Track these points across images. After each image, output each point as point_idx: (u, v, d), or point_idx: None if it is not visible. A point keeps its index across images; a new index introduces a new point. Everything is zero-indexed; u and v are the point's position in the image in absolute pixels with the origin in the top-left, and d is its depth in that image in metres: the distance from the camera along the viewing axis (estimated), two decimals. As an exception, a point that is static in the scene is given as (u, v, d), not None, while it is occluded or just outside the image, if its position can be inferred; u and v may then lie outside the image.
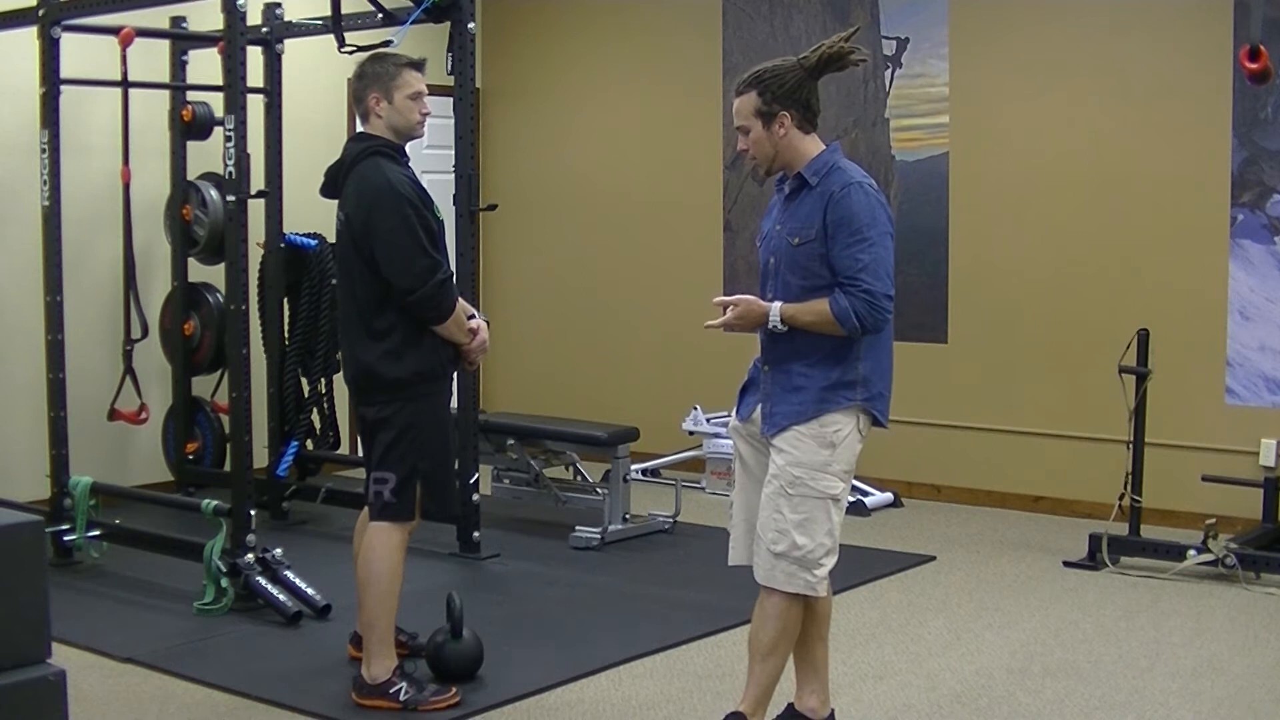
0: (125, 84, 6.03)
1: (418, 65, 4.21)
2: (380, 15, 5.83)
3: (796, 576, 3.54)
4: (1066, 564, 5.89)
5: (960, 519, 6.83)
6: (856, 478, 6.99)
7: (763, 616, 3.61)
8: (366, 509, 4.26)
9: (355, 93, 4.21)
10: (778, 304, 3.53)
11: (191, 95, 6.62)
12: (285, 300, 6.76)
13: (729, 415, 3.87)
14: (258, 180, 5.80)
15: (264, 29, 6.60)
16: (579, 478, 6.67)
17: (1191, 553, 5.62)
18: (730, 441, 3.95)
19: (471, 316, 4.22)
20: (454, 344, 4.16)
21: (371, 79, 4.16)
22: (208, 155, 6.66)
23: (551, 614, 5.19)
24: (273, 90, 6.63)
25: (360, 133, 4.25)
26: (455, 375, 4.41)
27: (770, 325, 3.53)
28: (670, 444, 7.54)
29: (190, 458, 6.99)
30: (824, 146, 3.62)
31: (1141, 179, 6.62)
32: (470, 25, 5.77)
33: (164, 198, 6.98)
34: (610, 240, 8.34)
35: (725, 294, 7.76)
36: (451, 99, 5.87)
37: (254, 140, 5.59)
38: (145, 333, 6.59)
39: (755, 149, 3.58)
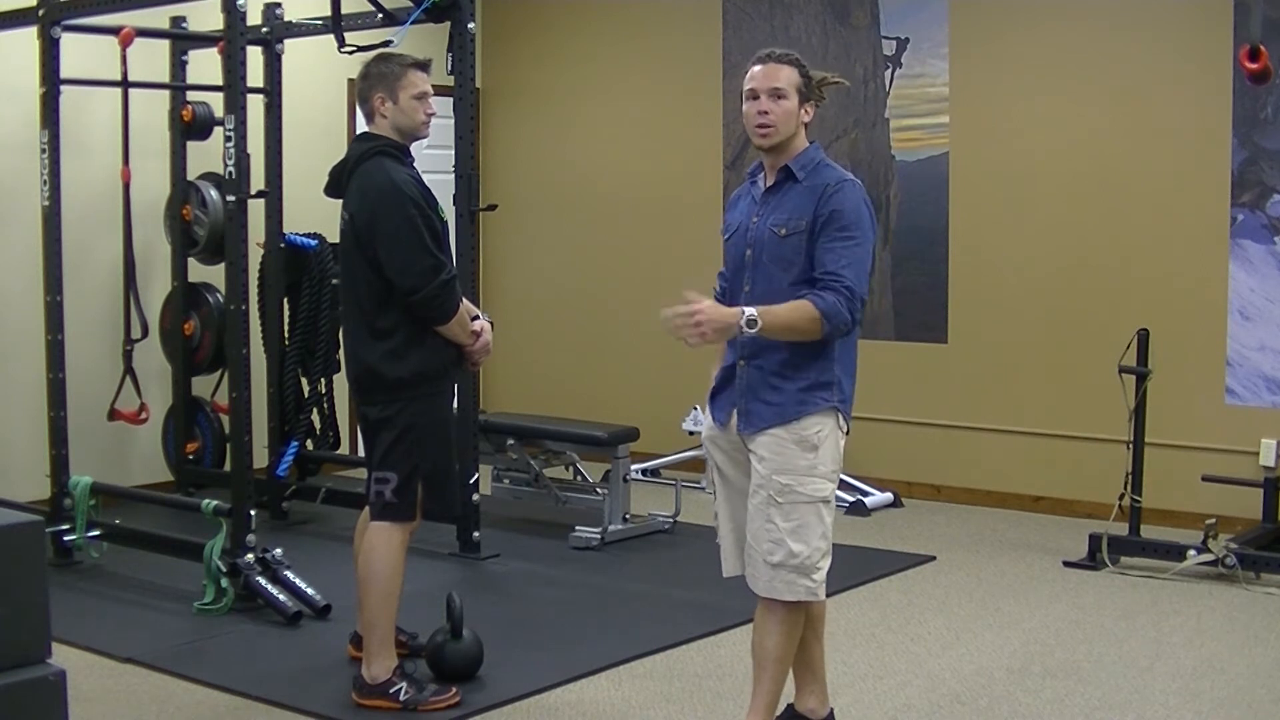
0: (125, 84, 6.03)
1: (423, 65, 4.21)
2: (380, 15, 5.82)
3: (797, 584, 3.50)
4: (1066, 564, 5.89)
5: (960, 519, 6.83)
6: (856, 477, 7.05)
7: (766, 627, 3.57)
8: (367, 509, 4.26)
9: (360, 93, 4.21)
10: (749, 308, 3.37)
11: (191, 95, 6.62)
12: (285, 300, 6.76)
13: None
14: (258, 180, 5.79)
15: (264, 29, 6.60)
16: (579, 478, 6.67)
17: (1191, 553, 5.62)
18: None
19: (476, 318, 4.22)
20: (457, 345, 4.16)
21: (377, 79, 4.16)
22: (208, 155, 6.66)
23: (552, 614, 5.19)
24: (273, 90, 6.63)
25: (365, 133, 4.25)
26: (459, 377, 4.42)
27: (740, 330, 3.35)
28: (670, 444, 7.54)
29: (190, 458, 6.99)
30: (808, 144, 3.63)
31: (1141, 179, 6.62)
32: (470, 25, 5.77)
33: (164, 198, 6.98)
34: (610, 240, 8.34)
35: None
36: (451, 99, 5.87)
37: (254, 140, 5.59)
38: (145, 333, 6.59)
39: (782, 119, 3.53)
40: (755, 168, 3.73)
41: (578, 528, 6.25)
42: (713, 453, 3.72)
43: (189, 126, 6.54)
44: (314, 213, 6.27)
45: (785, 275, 3.51)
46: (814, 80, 3.61)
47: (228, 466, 6.07)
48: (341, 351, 4.97)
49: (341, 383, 5.29)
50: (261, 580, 5.03)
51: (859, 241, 3.47)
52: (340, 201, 4.22)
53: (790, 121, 3.55)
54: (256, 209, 5.81)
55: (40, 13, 5.60)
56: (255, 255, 6.19)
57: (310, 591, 5.05)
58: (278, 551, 5.16)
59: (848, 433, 3.61)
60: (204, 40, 6.43)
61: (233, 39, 5.08)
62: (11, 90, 6.42)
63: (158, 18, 6.50)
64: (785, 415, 3.49)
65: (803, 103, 3.57)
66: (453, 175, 5.90)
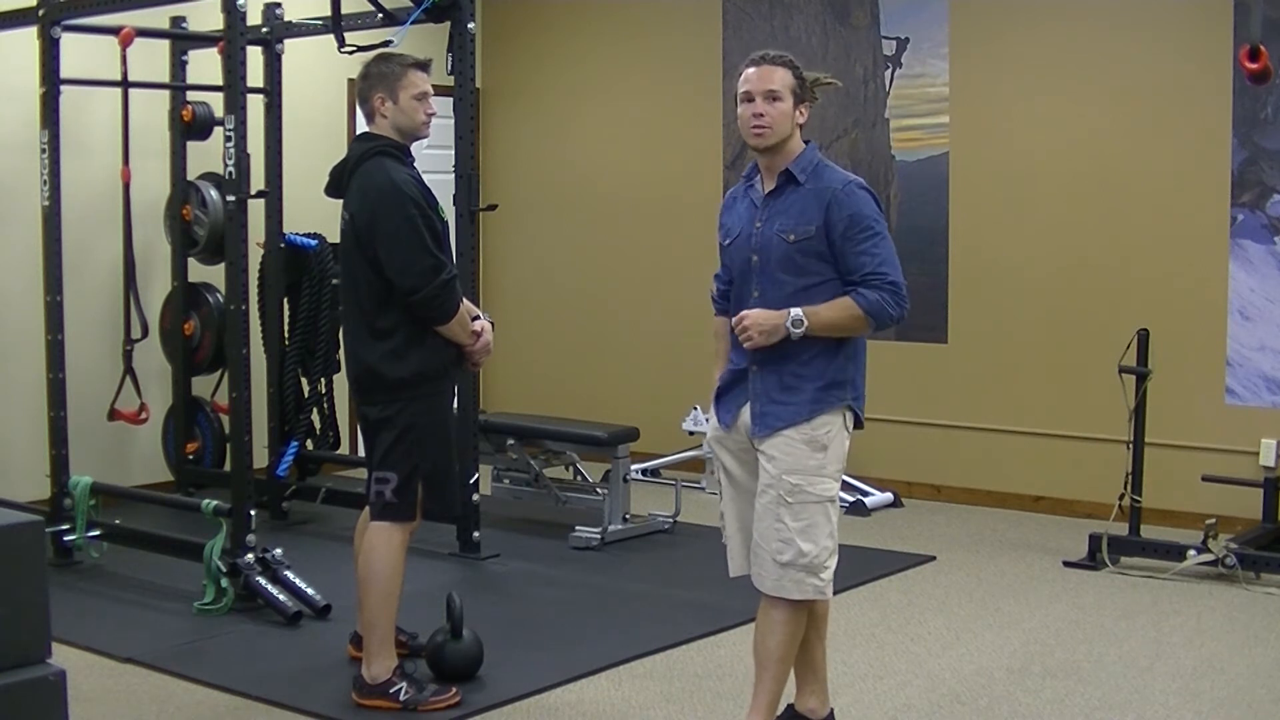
0: (125, 84, 6.03)
1: (423, 65, 4.21)
2: (380, 15, 5.82)
3: (805, 583, 3.51)
4: (1066, 564, 5.89)
5: (960, 519, 6.83)
6: (857, 478, 7.05)
7: (770, 625, 3.58)
8: (367, 509, 4.26)
9: (360, 93, 4.21)
10: (795, 309, 3.48)
11: (191, 95, 6.62)
12: (285, 300, 6.76)
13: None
14: (258, 180, 5.79)
15: (264, 29, 6.60)
16: (579, 478, 6.67)
17: (1191, 553, 5.62)
18: None
19: (476, 318, 4.21)
20: (457, 345, 4.16)
21: (377, 79, 4.16)
22: (208, 155, 6.66)
23: (552, 614, 5.19)
24: (273, 90, 6.63)
25: (365, 133, 4.26)
26: (459, 377, 4.41)
27: (790, 333, 3.46)
28: (670, 444, 7.54)
29: (190, 458, 6.99)
30: (804, 145, 3.63)
31: (1141, 179, 6.62)
32: (470, 25, 5.77)
33: (164, 198, 6.98)
34: (610, 240, 8.34)
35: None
36: (451, 99, 5.87)
37: (254, 140, 5.59)
38: (145, 333, 6.59)
39: (777, 121, 3.53)
40: (751, 170, 3.72)
41: (578, 528, 6.25)
42: (719, 454, 3.73)
43: (189, 126, 6.54)
44: (314, 213, 6.28)
45: (794, 280, 3.52)
46: (808, 81, 3.61)
47: (228, 466, 6.08)
48: (341, 351, 4.98)
49: (341, 383, 5.29)
50: (261, 580, 5.03)
51: (883, 234, 3.55)
52: (340, 201, 4.22)
53: (785, 123, 3.55)
54: (256, 209, 5.81)
55: (40, 13, 5.60)
56: (255, 255, 6.18)
57: (310, 591, 5.05)
58: (278, 551, 5.16)
59: (859, 426, 3.63)
60: (204, 40, 6.43)
61: (233, 39, 5.08)
62: (11, 90, 6.42)
63: (158, 18, 6.50)
64: (800, 416, 3.52)
65: (797, 104, 3.57)
66: (453, 175, 5.90)
